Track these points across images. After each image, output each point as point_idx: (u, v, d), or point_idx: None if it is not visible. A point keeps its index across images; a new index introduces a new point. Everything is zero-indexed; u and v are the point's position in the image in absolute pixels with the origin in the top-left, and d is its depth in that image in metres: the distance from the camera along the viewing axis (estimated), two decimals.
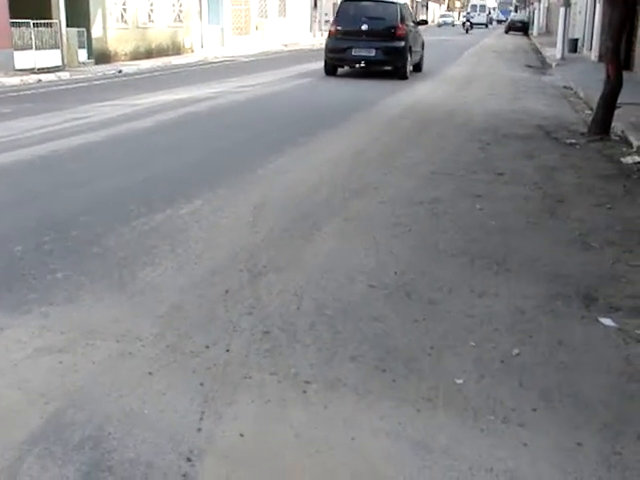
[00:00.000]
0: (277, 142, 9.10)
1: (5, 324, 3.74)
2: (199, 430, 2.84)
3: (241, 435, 2.83)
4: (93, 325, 3.74)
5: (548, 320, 3.96)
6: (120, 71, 20.48)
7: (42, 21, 19.80)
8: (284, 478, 2.62)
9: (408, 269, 4.68)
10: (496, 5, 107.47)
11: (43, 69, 19.40)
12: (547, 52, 28.95)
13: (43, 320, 3.80)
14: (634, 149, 8.88)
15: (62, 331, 3.67)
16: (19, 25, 19.09)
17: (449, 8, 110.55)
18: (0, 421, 2.89)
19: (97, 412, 2.95)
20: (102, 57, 22.76)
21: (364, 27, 18.57)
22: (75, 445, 2.72)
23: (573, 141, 9.65)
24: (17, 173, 7.33)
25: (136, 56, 24.63)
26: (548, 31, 50.48)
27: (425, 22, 24.47)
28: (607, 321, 3.95)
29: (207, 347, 3.53)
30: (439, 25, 78.58)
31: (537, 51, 33.66)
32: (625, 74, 10.35)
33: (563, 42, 25.46)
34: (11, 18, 18.65)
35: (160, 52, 26.32)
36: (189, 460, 2.66)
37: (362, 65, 18.64)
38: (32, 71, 18.93)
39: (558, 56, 25.21)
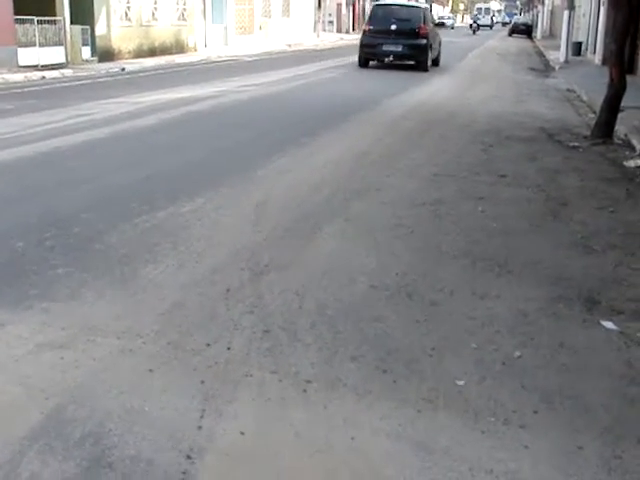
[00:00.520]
0: (279, 142, 9.10)
1: (6, 320, 3.74)
2: (199, 428, 2.84)
3: (241, 433, 2.83)
4: (94, 322, 3.74)
5: (550, 323, 3.95)
6: (123, 69, 20.49)
7: (46, 18, 19.81)
8: (284, 477, 2.61)
9: (409, 270, 4.68)
10: (501, 8, 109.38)
11: (47, 66, 19.40)
12: (551, 55, 28.95)
13: (44, 316, 3.80)
14: (637, 153, 8.88)
15: (63, 327, 3.67)
16: (23, 22, 19.09)
17: (453, 10, 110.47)
18: (1, 416, 2.89)
19: (98, 408, 2.94)
20: (106, 55, 22.77)
21: (393, 27, 21.87)
22: (76, 441, 2.72)
23: (576, 144, 9.65)
24: (19, 169, 7.33)
25: (139, 54, 24.64)
26: (552, 34, 50.46)
27: (443, 24, 27.29)
28: (609, 324, 3.94)
29: (208, 345, 3.53)
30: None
31: (541, 54, 33.65)
32: (629, 78, 10.34)
33: (567, 45, 25.47)
34: (15, 15, 18.65)
35: (164, 50, 26.33)
36: (189, 458, 2.65)
37: (391, 59, 21.90)
38: (36, 68, 18.94)
39: (562, 59, 25.21)
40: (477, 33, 59.76)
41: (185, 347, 3.50)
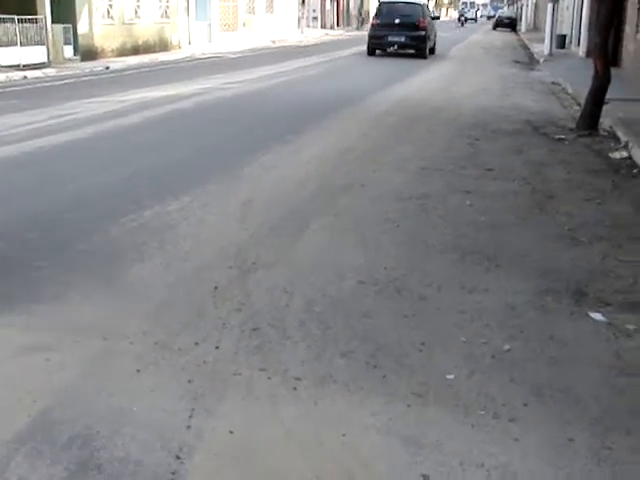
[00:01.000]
0: (264, 139, 9.07)
1: None
2: (188, 427, 2.82)
3: (231, 432, 2.81)
4: (80, 323, 3.71)
5: (538, 315, 3.95)
6: (107, 68, 20.38)
7: (27, 17, 19.67)
8: (274, 475, 2.60)
9: (398, 265, 4.67)
10: (487, 2, 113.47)
11: (28, 65, 19.27)
12: (535, 48, 29.00)
13: (29, 318, 3.76)
14: (622, 144, 8.90)
15: (49, 329, 3.64)
16: (4, 21, 18.95)
17: (437, 4, 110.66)
18: None
19: (85, 410, 2.92)
20: (88, 54, 22.63)
21: (396, 21, 25.35)
22: (63, 444, 2.70)
23: (562, 136, 9.67)
24: (2, 170, 7.28)
25: (123, 52, 24.51)
26: (536, 27, 50.57)
27: (438, 18, 30.90)
28: (597, 316, 3.95)
29: (196, 344, 3.51)
30: None
31: (525, 47, 33.72)
32: (613, 70, 10.36)
33: (551, 38, 25.51)
34: None
35: (147, 49, 26.20)
36: (178, 458, 2.64)
37: (395, 48, 25.44)
38: (17, 68, 18.80)
39: (546, 52, 25.25)
40: (465, 25, 65.58)
41: (173, 347, 3.48)
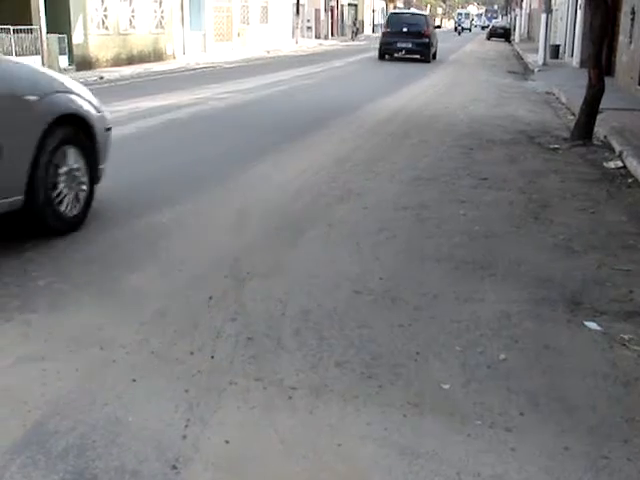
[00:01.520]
0: (260, 148, 9.07)
1: None
2: (184, 437, 2.82)
3: (227, 442, 2.80)
4: (76, 332, 3.70)
5: (534, 325, 3.96)
6: (101, 77, 20.38)
7: (22, 27, 19.70)
8: None
9: (393, 275, 4.67)
10: (480, 12, 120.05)
11: None
12: (529, 58, 29.13)
13: (25, 328, 3.75)
14: (616, 154, 8.94)
15: (45, 339, 3.63)
16: None
17: (431, 14, 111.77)
18: None
19: (81, 420, 2.91)
20: (83, 63, 22.65)
21: (404, 29, 29.50)
22: (59, 454, 2.69)
23: (556, 146, 9.70)
24: None
25: (117, 63, 24.54)
26: (530, 37, 50.80)
27: (439, 27, 35.80)
28: (592, 325, 3.96)
29: (191, 353, 3.50)
30: None
31: (519, 57, 33.88)
32: (607, 80, 10.42)
33: (545, 48, 25.63)
34: None
35: (142, 59, 26.24)
36: (175, 468, 2.63)
37: (403, 53, 29.48)
38: None
39: (540, 62, 25.37)
40: (461, 34, 72.64)
41: (168, 356, 3.48)
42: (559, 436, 2.90)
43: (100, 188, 5.96)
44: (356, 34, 59.32)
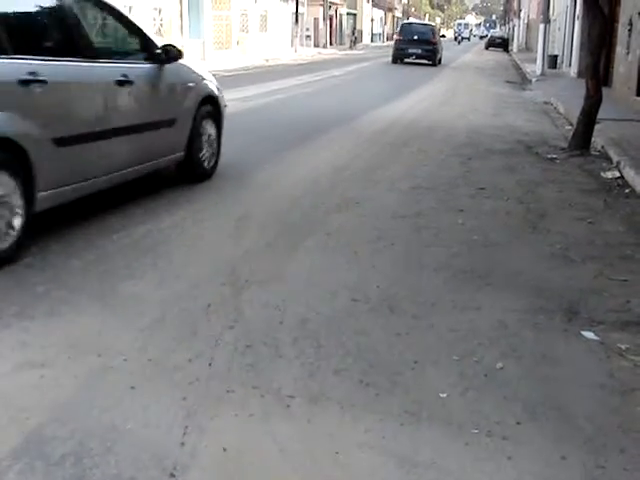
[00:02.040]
0: (257, 156, 9.08)
1: None
2: (182, 445, 2.82)
3: (224, 450, 2.81)
4: (74, 339, 3.71)
5: (531, 334, 3.97)
6: None
7: None
8: None
9: (391, 283, 4.68)
10: (479, 22, 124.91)
11: None
12: (527, 68, 29.22)
13: (24, 335, 3.75)
14: (614, 164, 8.96)
15: (43, 345, 3.63)
16: None
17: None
18: None
19: (79, 427, 2.92)
20: None
21: (415, 37, 33.76)
22: (57, 461, 2.69)
23: (554, 156, 9.72)
24: None
25: None
26: (528, 47, 50.95)
27: (444, 36, 41.43)
28: (590, 335, 3.97)
29: (190, 361, 3.51)
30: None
31: (517, 67, 34.01)
32: (604, 90, 10.44)
33: (543, 58, 25.71)
34: None
35: None
36: (172, 475, 2.63)
37: (413, 58, 33.69)
38: None
39: (538, 72, 25.44)
40: (461, 43, 75.45)
41: (166, 363, 3.48)
42: (556, 445, 2.91)
43: (98, 194, 5.97)
44: (355, 43, 59.48)
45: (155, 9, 27.54)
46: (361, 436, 2.93)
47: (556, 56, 29.75)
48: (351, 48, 56.11)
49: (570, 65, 25.73)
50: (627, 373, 3.56)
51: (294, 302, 4.29)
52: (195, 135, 7.22)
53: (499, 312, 4.25)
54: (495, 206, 6.81)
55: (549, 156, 9.73)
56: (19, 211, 4.85)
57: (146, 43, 6.77)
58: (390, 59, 35.36)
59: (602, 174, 8.51)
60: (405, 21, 41.85)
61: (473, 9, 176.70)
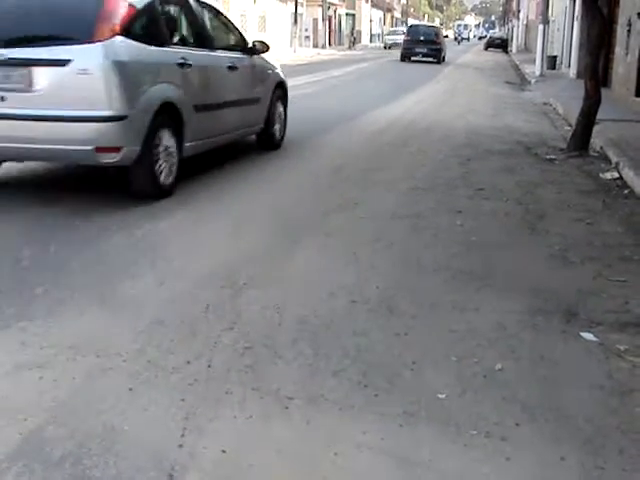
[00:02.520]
0: (257, 158, 9.09)
1: None
2: (181, 446, 2.82)
3: (223, 451, 2.81)
4: (73, 340, 3.71)
5: (530, 335, 3.97)
6: None
7: None
8: None
9: (389, 284, 4.68)
10: (477, 22, 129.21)
11: None
12: (526, 69, 29.23)
13: (22, 335, 3.75)
14: (613, 165, 8.96)
15: (42, 346, 3.63)
16: None
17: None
18: None
19: (77, 428, 2.91)
20: None
21: (421, 38, 37.83)
22: (55, 462, 2.69)
23: (553, 157, 9.73)
24: None
25: None
26: (527, 48, 50.97)
27: (447, 36, 47.67)
28: (588, 336, 3.97)
29: (188, 362, 3.51)
30: (387, 46, 60.59)
31: (516, 68, 33.99)
32: (603, 91, 10.44)
33: (542, 59, 25.73)
34: None
35: None
36: (171, 477, 2.63)
37: (420, 56, 37.22)
38: None
39: (537, 73, 25.46)
40: (461, 43, 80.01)
41: (165, 365, 3.48)
42: (554, 446, 2.91)
43: (97, 196, 5.95)
44: (354, 43, 59.50)
45: None
46: (360, 437, 2.93)
47: (555, 57, 29.77)
48: (350, 48, 56.15)
49: (569, 66, 25.74)
50: (626, 374, 3.56)
51: (293, 303, 4.29)
52: (271, 112, 9.39)
53: (498, 313, 4.25)
54: (494, 207, 6.81)
55: (548, 157, 9.73)
56: (176, 158, 6.84)
57: (242, 39, 8.92)
58: (388, 59, 37.08)
59: (601, 175, 8.51)
60: (412, 23, 47.37)
61: (472, 10, 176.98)
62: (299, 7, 44.85)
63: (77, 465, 2.68)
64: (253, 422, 3.02)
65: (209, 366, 3.48)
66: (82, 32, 6.02)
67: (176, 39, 7.32)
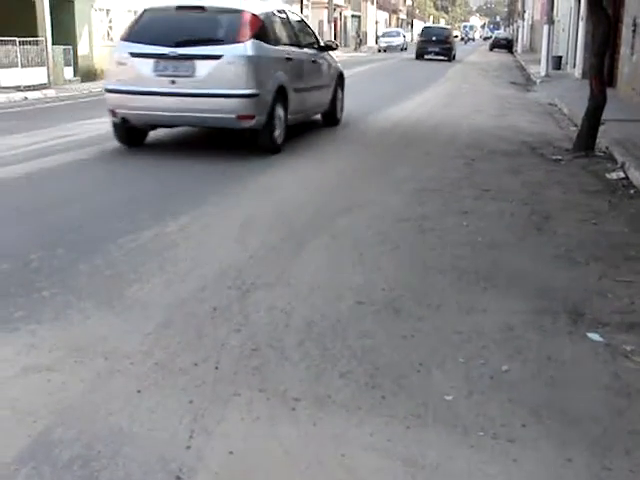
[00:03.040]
0: (265, 160, 9.10)
1: None
2: (188, 448, 2.83)
3: (231, 453, 2.82)
4: (81, 343, 3.73)
5: (536, 336, 3.97)
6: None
7: (28, 39, 19.79)
8: None
9: (396, 286, 4.69)
10: (483, 23, 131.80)
11: (29, 87, 19.38)
12: (531, 69, 29.18)
13: (31, 338, 3.78)
14: (618, 165, 8.95)
15: (50, 349, 3.65)
16: (5, 43, 19.09)
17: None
18: None
19: (86, 430, 2.93)
20: (88, 75, 22.75)
21: (434, 38, 41.35)
22: (64, 464, 2.71)
23: (558, 157, 9.72)
24: (3, 191, 7.31)
25: None
26: (532, 48, 50.87)
27: (456, 36, 56.58)
28: (595, 336, 3.97)
29: (196, 365, 3.52)
30: (380, 50, 58.00)
31: (521, 68, 33.92)
32: (609, 91, 10.44)
33: (547, 59, 25.68)
34: None
35: None
36: (179, 478, 2.64)
37: (432, 55, 40.53)
38: (18, 89, 18.91)
39: (542, 73, 25.41)
40: (468, 44, 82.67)
41: (173, 367, 3.49)
42: (561, 447, 2.91)
43: (108, 198, 5.96)
44: (359, 45, 59.47)
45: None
46: (367, 439, 2.94)
47: (560, 57, 29.71)
48: (356, 50, 56.08)
49: (574, 66, 25.70)
50: (633, 375, 3.56)
51: (299, 305, 4.30)
52: (334, 96, 12.13)
53: (504, 314, 4.25)
54: (500, 208, 6.81)
55: (554, 157, 9.72)
56: (284, 125, 9.58)
57: (316, 39, 11.71)
58: (387, 62, 37.68)
59: (607, 175, 8.50)
60: (425, 25, 54.23)
61: (477, 10, 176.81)
62: (304, 9, 44.83)
63: (86, 467, 2.69)
64: (260, 423, 3.03)
65: (216, 368, 3.49)
66: (229, 36, 8.94)
67: (282, 40, 10.05)
